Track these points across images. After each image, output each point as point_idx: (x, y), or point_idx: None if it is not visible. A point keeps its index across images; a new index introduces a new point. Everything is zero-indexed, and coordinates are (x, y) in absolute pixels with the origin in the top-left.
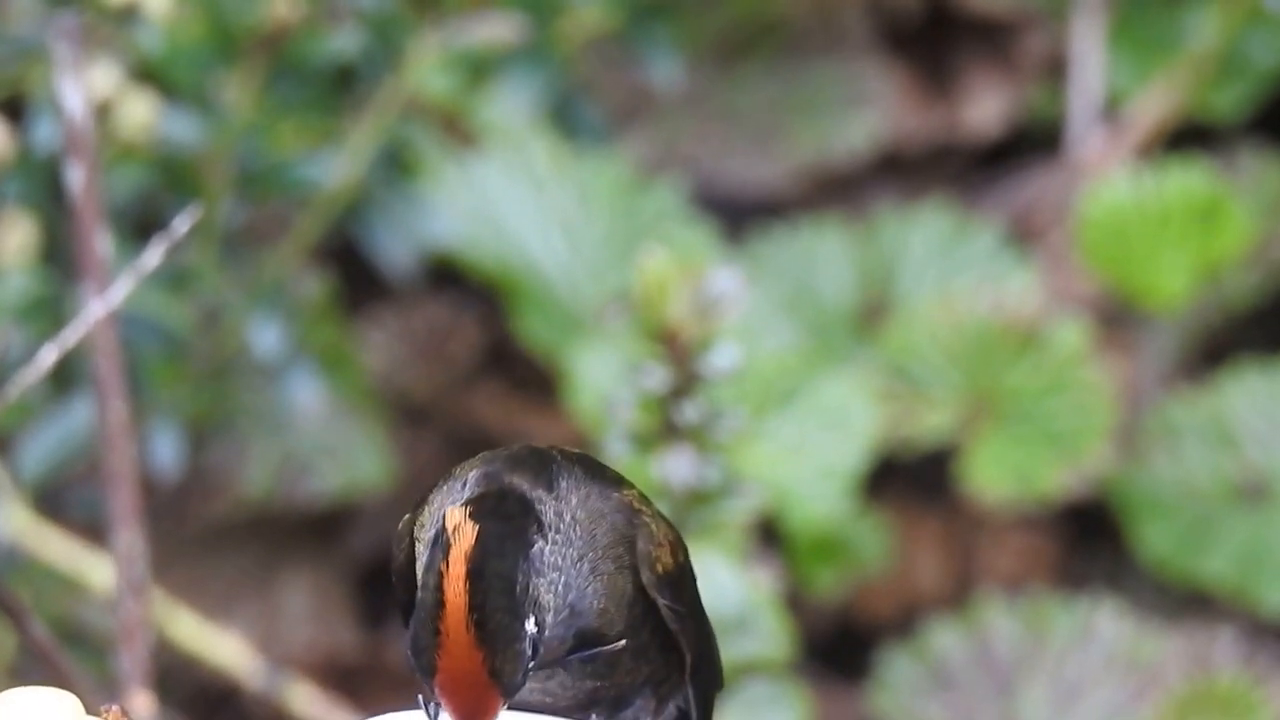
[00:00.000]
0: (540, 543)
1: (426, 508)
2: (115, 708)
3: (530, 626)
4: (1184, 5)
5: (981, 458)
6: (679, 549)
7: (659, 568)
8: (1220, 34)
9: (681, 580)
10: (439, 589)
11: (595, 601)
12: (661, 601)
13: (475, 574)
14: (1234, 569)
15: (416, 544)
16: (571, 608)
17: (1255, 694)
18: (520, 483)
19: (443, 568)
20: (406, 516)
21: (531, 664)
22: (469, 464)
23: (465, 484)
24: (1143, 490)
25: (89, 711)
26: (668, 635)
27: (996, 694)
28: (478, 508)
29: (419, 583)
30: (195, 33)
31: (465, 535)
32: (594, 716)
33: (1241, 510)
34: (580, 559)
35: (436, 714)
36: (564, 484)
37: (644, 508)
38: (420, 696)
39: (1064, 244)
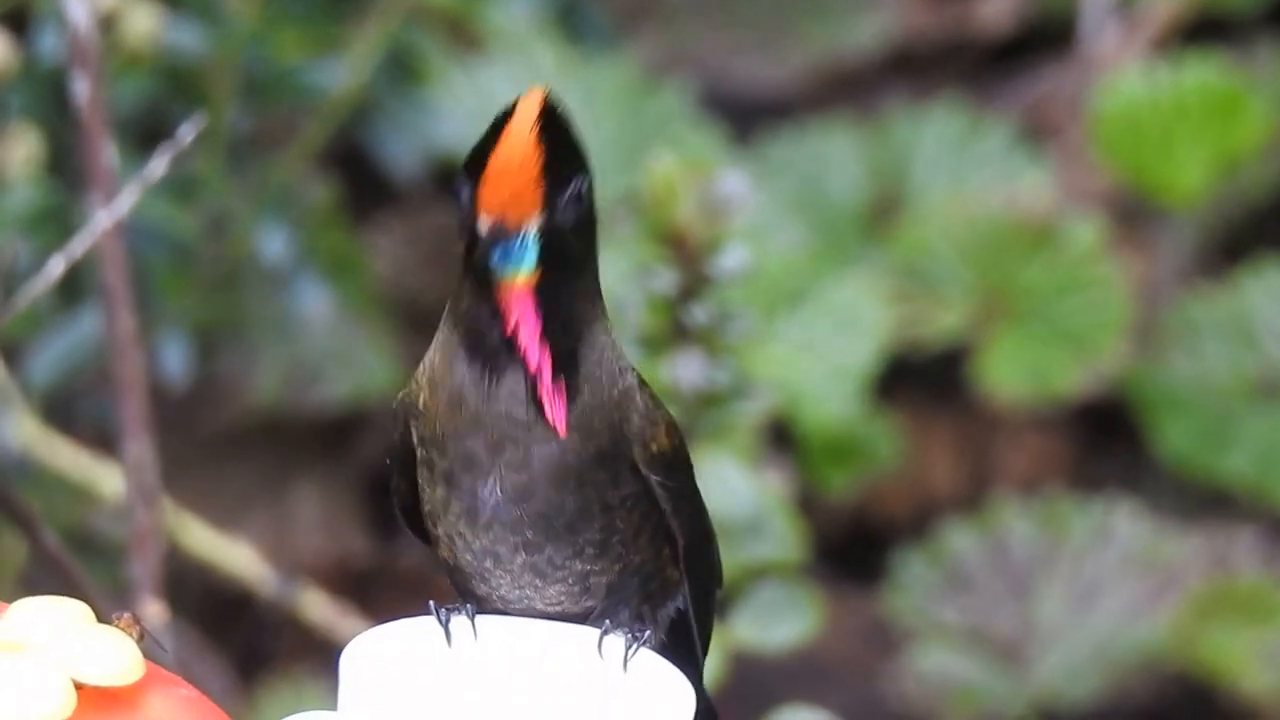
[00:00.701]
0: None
1: (419, 371)
2: (127, 615)
3: (582, 185)
4: None
5: (995, 357)
6: (674, 431)
7: (654, 446)
8: None
9: (676, 463)
10: (509, 115)
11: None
12: (655, 478)
13: (552, 109)
14: (1254, 466)
15: (410, 421)
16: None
17: (1275, 594)
18: None
19: (515, 107)
20: (400, 394)
21: (573, 217)
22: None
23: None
24: (1161, 388)
25: (101, 620)
26: (660, 522)
27: (1013, 596)
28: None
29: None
30: None
31: (534, 99)
32: (606, 622)
33: (1261, 407)
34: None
35: (448, 620)
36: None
37: (645, 385)
38: (432, 602)
39: (1078, 141)
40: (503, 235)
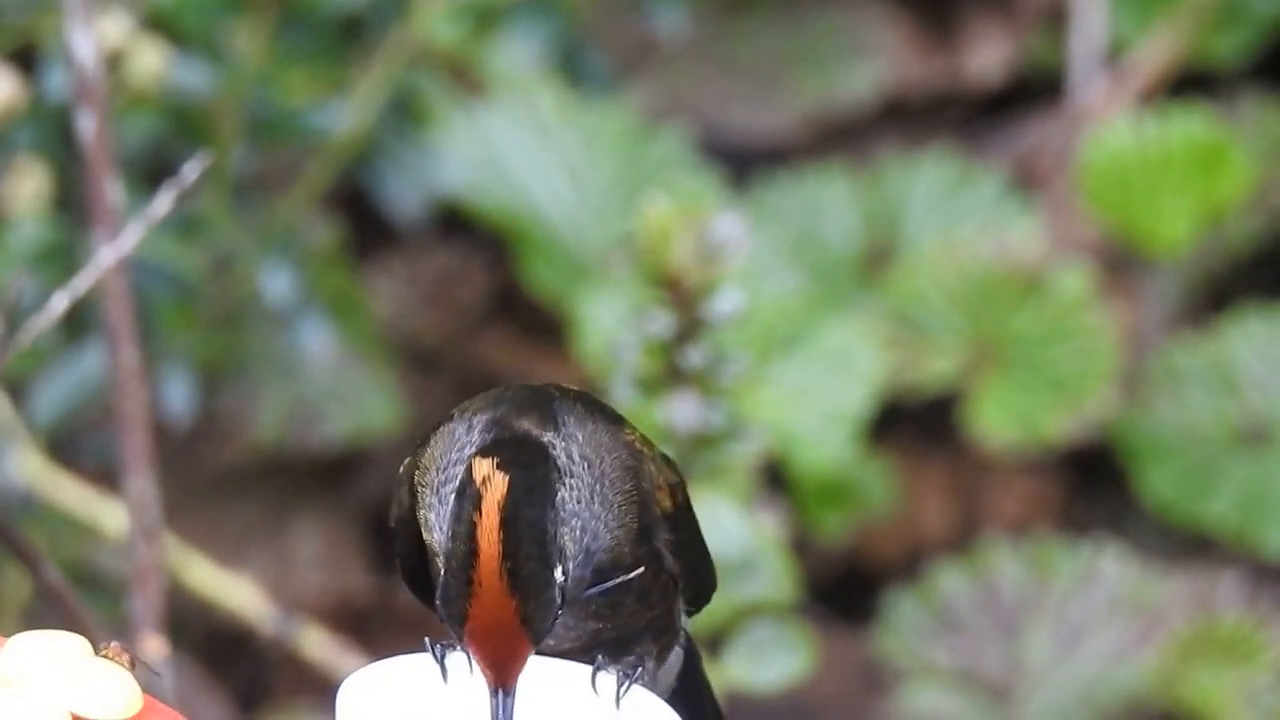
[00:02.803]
0: (562, 490)
1: (427, 450)
2: (114, 644)
3: (558, 575)
4: None
5: (985, 403)
6: (679, 491)
7: (657, 511)
8: None
9: (679, 520)
10: (471, 539)
11: (608, 537)
12: (661, 537)
13: (509, 523)
14: (1236, 512)
15: (418, 490)
16: (587, 549)
17: (1258, 636)
18: (530, 427)
19: (475, 518)
20: (406, 461)
21: (560, 612)
22: (470, 406)
23: (473, 429)
24: (1146, 435)
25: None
26: (671, 579)
27: (1001, 637)
28: (502, 457)
29: (447, 534)
30: None
31: (496, 485)
32: (600, 657)
33: (1244, 454)
34: (592, 497)
35: (444, 657)
36: (569, 422)
37: (645, 449)
38: (428, 639)
39: (1066, 190)
40: (506, 689)
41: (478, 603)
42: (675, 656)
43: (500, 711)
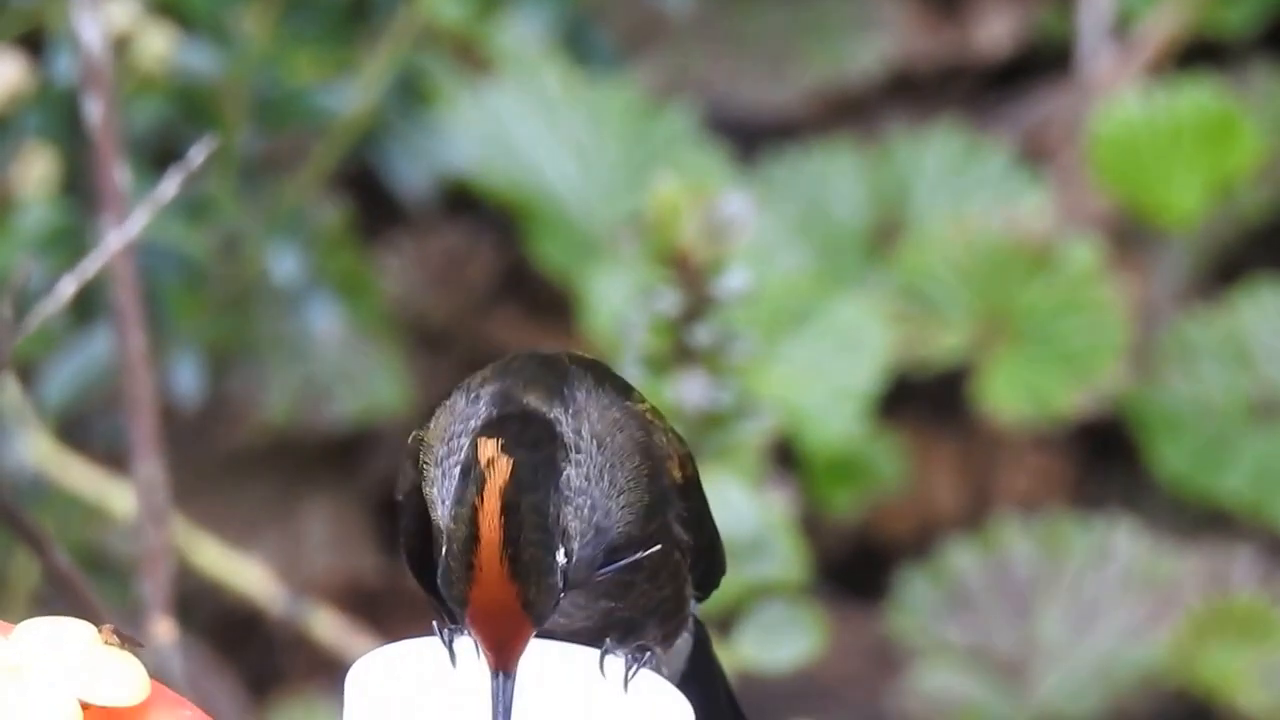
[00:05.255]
0: (567, 469)
1: (434, 424)
2: (108, 627)
3: (560, 558)
4: None
5: (996, 378)
6: (688, 462)
7: (667, 481)
8: None
9: (689, 492)
10: (473, 522)
11: (618, 513)
12: (672, 511)
13: (510, 508)
14: (1250, 486)
15: (423, 466)
16: (597, 527)
17: (1273, 612)
18: (538, 403)
19: (476, 502)
20: (414, 433)
21: (562, 594)
22: (478, 378)
23: (479, 401)
24: (1158, 409)
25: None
26: (681, 558)
27: (1014, 614)
28: (507, 437)
29: (449, 515)
30: None
31: (499, 469)
32: (608, 640)
33: (1257, 427)
34: (601, 474)
35: (452, 640)
36: (580, 396)
37: (656, 420)
38: (435, 623)
39: (1076, 163)
40: (507, 672)
41: (479, 586)
42: (684, 641)
43: (500, 694)
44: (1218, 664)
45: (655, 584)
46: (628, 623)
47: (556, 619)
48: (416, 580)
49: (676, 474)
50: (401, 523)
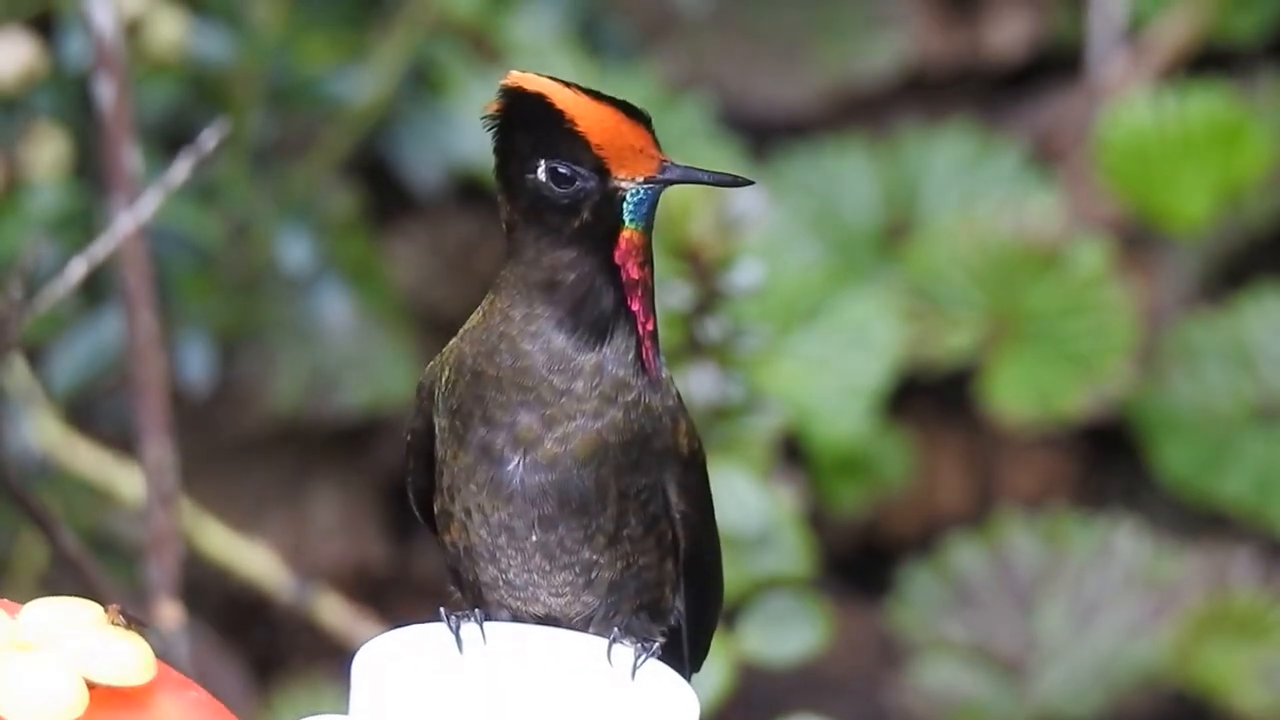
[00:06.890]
0: None
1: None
2: (115, 608)
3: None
4: None
5: (1003, 377)
6: (696, 440)
7: (681, 440)
8: None
9: (692, 466)
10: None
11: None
12: (674, 470)
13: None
14: (1251, 489)
15: (436, 396)
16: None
17: (1272, 613)
18: None
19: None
20: (430, 364)
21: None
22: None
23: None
24: (1162, 411)
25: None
26: (668, 531)
27: (1016, 611)
28: None
29: None
30: None
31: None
32: (615, 630)
33: (1260, 431)
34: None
35: (458, 627)
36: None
37: (673, 388)
38: (442, 610)
39: (1085, 166)
40: (629, 188)
41: (617, 107)
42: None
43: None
44: (1217, 664)
45: (642, 545)
46: (610, 584)
47: (545, 567)
48: (419, 515)
49: (683, 440)
50: (408, 461)
